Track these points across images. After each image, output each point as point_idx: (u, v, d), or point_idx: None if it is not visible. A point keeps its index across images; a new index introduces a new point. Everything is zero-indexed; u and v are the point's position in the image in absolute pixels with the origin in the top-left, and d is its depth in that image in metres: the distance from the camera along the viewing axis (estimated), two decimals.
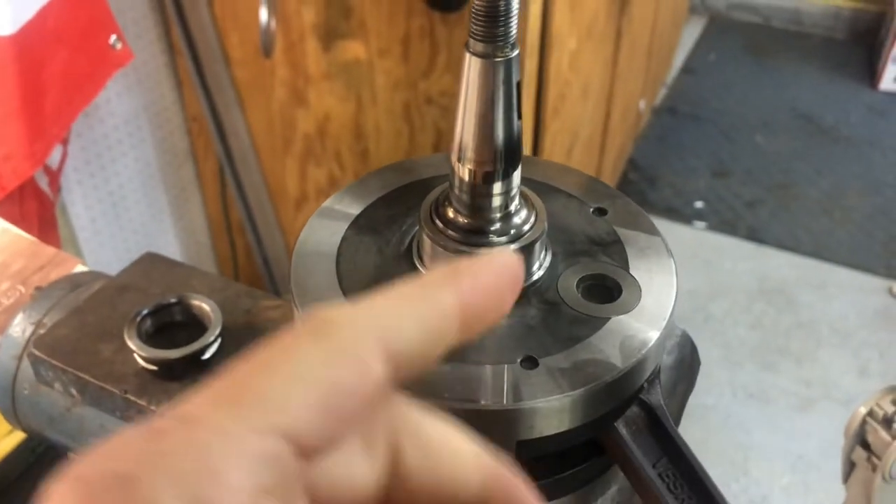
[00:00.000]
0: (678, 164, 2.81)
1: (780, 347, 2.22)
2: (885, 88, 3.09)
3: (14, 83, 0.85)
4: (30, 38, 0.86)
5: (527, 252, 0.32)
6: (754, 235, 2.54)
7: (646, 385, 0.32)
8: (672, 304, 0.32)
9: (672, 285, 0.32)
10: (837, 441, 0.74)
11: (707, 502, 0.29)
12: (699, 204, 2.64)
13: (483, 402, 0.28)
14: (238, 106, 1.76)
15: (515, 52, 0.28)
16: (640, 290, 0.32)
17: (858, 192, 2.69)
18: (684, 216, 2.60)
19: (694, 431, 2.02)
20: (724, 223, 2.57)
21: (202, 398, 0.20)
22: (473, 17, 0.27)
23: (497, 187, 0.31)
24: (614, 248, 0.34)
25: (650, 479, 0.30)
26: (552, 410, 0.28)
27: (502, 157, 0.30)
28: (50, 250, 0.71)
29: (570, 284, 0.32)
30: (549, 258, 0.33)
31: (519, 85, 0.28)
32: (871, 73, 3.17)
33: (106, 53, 0.97)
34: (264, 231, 1.91)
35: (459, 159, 0.30)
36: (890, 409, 0.69)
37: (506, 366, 0.29)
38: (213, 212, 1.99)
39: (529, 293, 0.32)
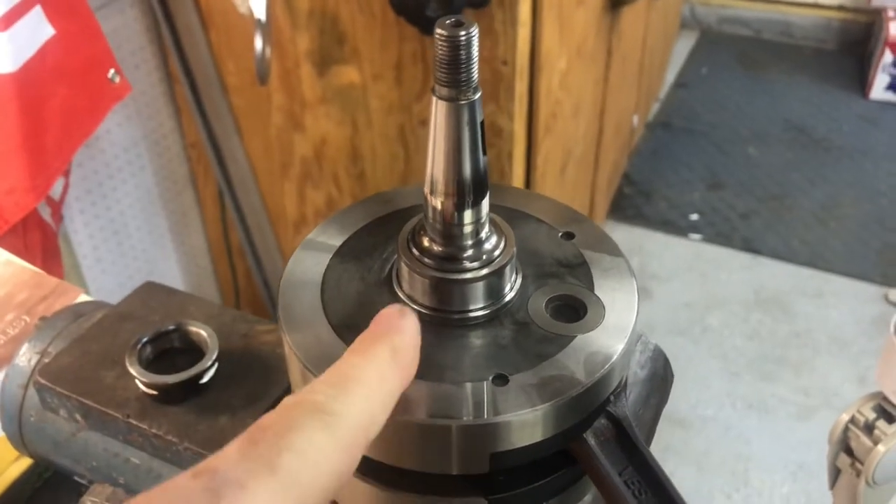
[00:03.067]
0: (673, 177, 2.84)
1: (778, 357, 2.24)
2: (875, 97, 3.13)
3: (16, 119, 0.87)
4: (31, 75, 0.89)
5: (498, 276, 0.34)
6: (750, 246, 2.56)
7: (612, 398, 0.34)
8: (633, 321, 0.34)
9: (633, 303, 0.35)
10: None
11: None
12: (694, 216, 2.67)
13: (456, 419, 0.30)
14: (236, 132, 1.79)
15: (478, 95, 0.30)
16: (604, 309, 0.34)
17: (852, 201, 2.72)
18: (680, 229, 2.63)
19: (695, 443, 2.03)
20: (720, 235, 2.60)
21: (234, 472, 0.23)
22: (437, 65, 0.29)
23: (467, 217, 0.33)
24: (581, 270, 0.36)
25: (616, 487, 0.32)
26: (521, 424, 0.31)
27: (470, 189, 0.32)
28: (53, 281, 0.73)
29: (538, 305, 0.35)
30: (519, 280, 0.36)
31: (482, 124, 0.31)
32: (862, 83, 3.21)
33: (105, 87, 1.00)
34: (264, 254, 1.94)
35: (431, 192, 0.33)
36: (871, 415, 0.71)
37: (478, 383, 0.31)
38: (214, 236, 2.02)
39: (501, 315, 0.34)
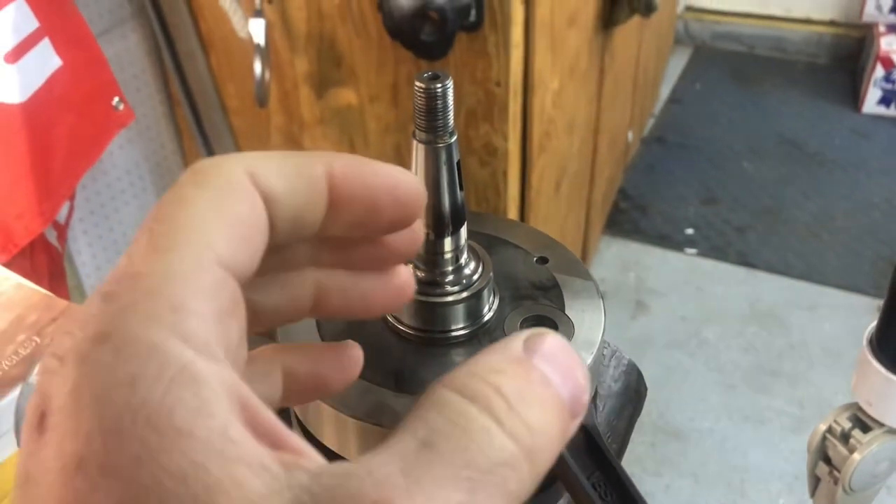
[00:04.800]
0: (668, 192, 2.87)
1: (773, 370, 2.26)
2: (868, 111, 3.17)
3: (24, 148, 0.91)
4: (38, 105, 0.92)
5: (476, 298, 0.37)
6: (745, 260, 2.59)
7: None
8: (599, 339, 0.37)
9: (600, 322, 0.38)
10: None
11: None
12: (689, 231, 2.70)
13: None
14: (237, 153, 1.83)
15: (454, 139, 0.34)
16: (574, 328, 0.38)
17: (846, 214, 2.75)
18: (675, 243, 2.66)
19: (691, 455, 2.06)
20: (715, 249, 2.63)
21: (135, 257, 0.21)
22: (416, 113, 0.32)
23: (447, 246, 0.36)
24: (553, 292, 0.40)
25: (585, 490, 0.35)
26: None
27: (449, 221, 0.36)
28: (62, 303, 0.77)
29: (514, 324, 0.38)
30: (496, 302, 0.39)
31: (459, 163, 0.34)
32: (854, 97, 3.25)
33: (109, 115, 1.03)
34: None
35: None
36: (847, 425, 0.74)
37: None
38: None
39: (480, 334, 0.38)
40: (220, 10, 1.54)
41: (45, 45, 0.93)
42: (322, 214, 0.26)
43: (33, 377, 0.58)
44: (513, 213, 1.68)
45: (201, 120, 1.76)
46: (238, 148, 1.82)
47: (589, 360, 0.36)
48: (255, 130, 1.78)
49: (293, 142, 1.74)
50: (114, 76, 1.08)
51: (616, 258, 2.61)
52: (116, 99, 1.05)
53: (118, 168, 1.70)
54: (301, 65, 1.62)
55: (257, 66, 1.52)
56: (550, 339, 0.24)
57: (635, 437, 0.44)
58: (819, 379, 2.22)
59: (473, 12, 1.38)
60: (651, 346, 2.31)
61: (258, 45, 1.50)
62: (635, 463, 2.01)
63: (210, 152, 1.80)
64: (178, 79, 1.71)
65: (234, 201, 0.23)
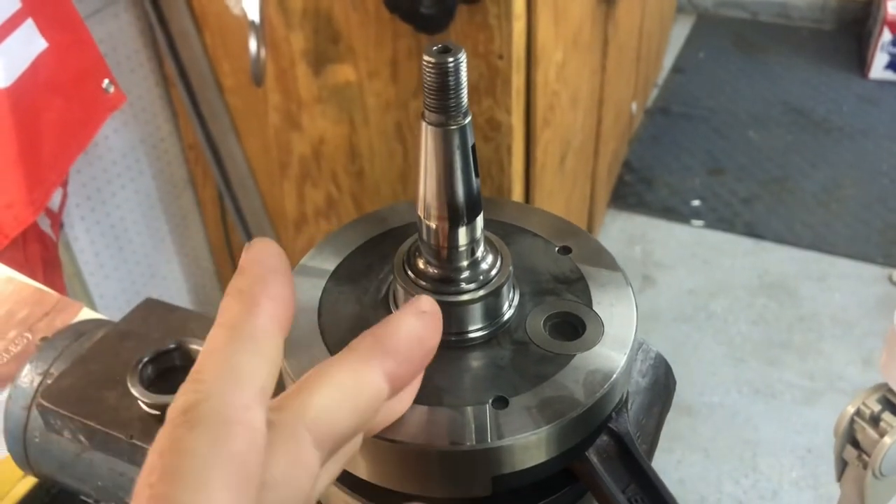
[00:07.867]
0: (673, 163, 2.83)
1: (783, 342, 2.24)
2: (875, 77, 3.11)
3: (11, 134, 0.87)
4: (24, 89, 0.88)
5: (495, 296, 0.34)
6: (752, 231, 2.55)
7: (614, 415, 0.34)
8: (632, 337, 0.34)
9: (632, 318, 0.35)
10: None
11: None
12: (696, 202, 2.66)
13: (455, 444, 0.30)
14: (233, 133, 1.79)
15: (468, 119, 0.30)
16: (603, 326, 0.34)
17: (853, 182, 2.71)
18: (682, 215, 2.62)
19: (702, 430, 2.03)
20: (722, 220, 2.60)
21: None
22: (426, 91, 0.29)
23: (461, 238, 0.33)
24: (578, 286, 0.36)
25: None
26: (523, 447, 0.31)
27: (464, 212, 0.32)
28: (54, 297, 0.73)
29: (537, 324, 0.34)
30: (517, 298, 0.35)
31: (474, 147, 0.30)
32: (861, 63, 3.19)
33: (99, 98, 0.99)
34: None
35: (425, 216, 0.33)
36: (876, 407, 0.71)
37: (478, 407, 0.31)
38: (215, 237, 2.02)
39: (500, 335, 0.34)
40: None
41: (29, 26, 0.89)
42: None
43: (22, 380, 0.54)
44: (517, 188, 1.64)
45: (197, 100, 1.72)
46: (235, 128, 1.78)
47: (622, 362, 0.33)
48: (252, 110, 1.73)
49: (291, 121, 1.69)
50: (103, 58, 1.04)
51: (622, 232, 2.58)
52: (106, 81, 1.01)
53: (113, 152, 1.66)
54: (297, 41, 1.57)
55: (252, 44, 1.47)
56: None
57: None
58: (830, 350, 2.20)
59: None
60: (658, 320, 2.28)
61: (252, 22, 1.46)
62: None
63: (206, 133, 1.76)
64: (172, 58, 1.66)
65: (231, 440, 0.23)
